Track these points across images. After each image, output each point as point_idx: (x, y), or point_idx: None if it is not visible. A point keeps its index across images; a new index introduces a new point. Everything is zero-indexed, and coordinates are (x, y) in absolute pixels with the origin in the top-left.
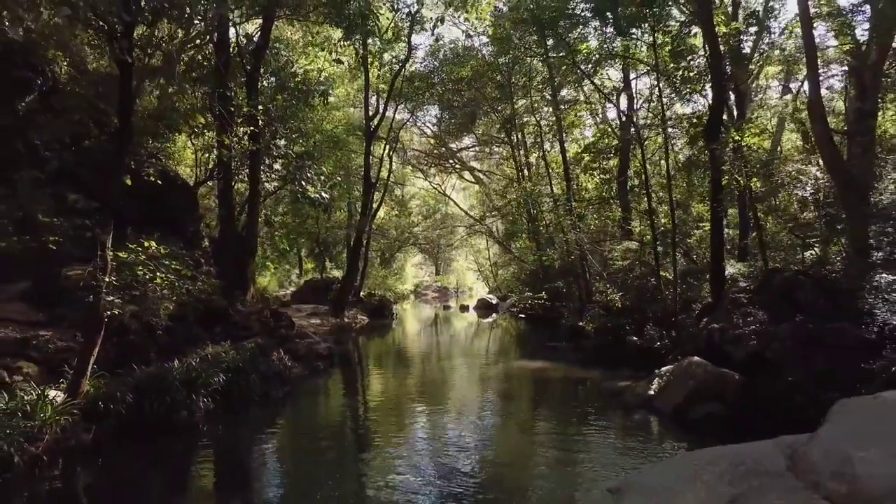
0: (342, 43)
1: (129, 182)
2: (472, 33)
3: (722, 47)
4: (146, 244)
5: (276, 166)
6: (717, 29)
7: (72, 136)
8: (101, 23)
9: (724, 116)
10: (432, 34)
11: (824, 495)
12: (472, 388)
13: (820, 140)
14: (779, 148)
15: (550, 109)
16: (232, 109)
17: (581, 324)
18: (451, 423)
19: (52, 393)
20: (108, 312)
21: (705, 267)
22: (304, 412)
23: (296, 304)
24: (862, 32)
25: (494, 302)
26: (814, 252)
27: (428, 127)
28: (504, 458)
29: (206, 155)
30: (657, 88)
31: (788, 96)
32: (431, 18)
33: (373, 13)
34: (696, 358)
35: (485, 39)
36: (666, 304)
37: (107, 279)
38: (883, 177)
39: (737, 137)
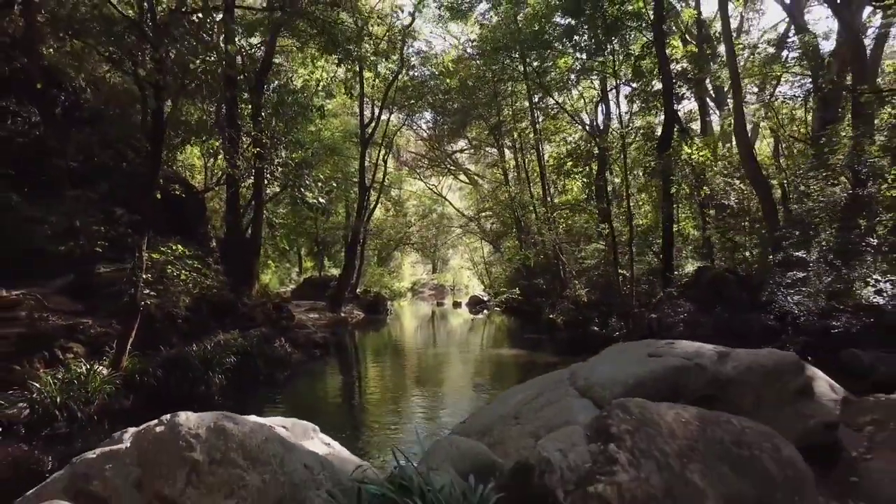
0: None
1: (158, 196)
2: (458, 47)
3: (682, 66)
4: (174, 247)
5: (277, 174)
6: (677, 50)
7: (114, 159)
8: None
9: (698, 126)
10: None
11: (576, 387)
12: (451, 369)
13: (743, 155)
14: (754, 151)
15: (537, 116)
16: (241, 133)
17: (552, 316)
18: (429, 391)
19: (98, 368)
20: (143, 303)
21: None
22: (304, 389)
23: (295, 300)
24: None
25: (486, 299)
26: (750, 252)
27: (423, 130)
28: (467, 408)
29: (212, 161)
30: (616, 106)
31: (755, 105)
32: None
33: (370, 37)
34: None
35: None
36: (625, 298)
37: (143, 276)
38: (798, 188)
39: (687, 151)
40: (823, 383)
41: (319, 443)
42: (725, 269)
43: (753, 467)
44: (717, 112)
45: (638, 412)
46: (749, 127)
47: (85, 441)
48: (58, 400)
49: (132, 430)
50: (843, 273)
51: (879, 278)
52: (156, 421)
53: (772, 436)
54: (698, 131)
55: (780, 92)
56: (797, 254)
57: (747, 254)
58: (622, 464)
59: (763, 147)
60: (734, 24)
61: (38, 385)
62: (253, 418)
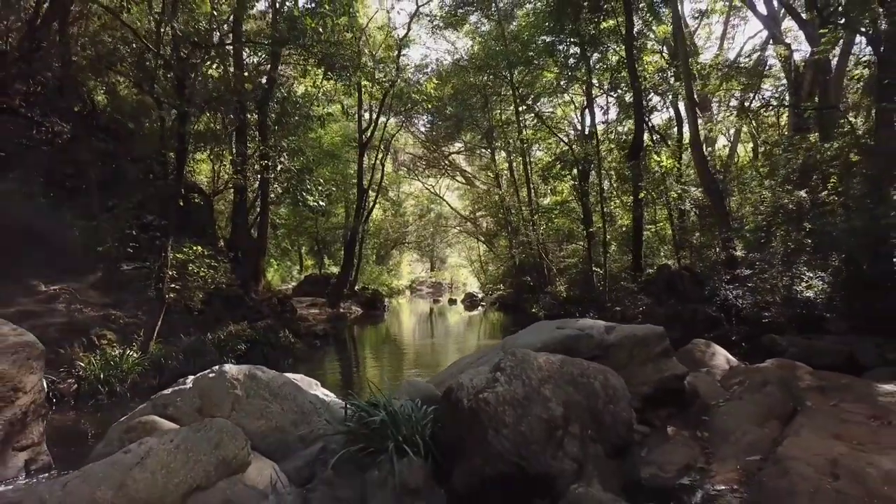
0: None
1: (181, 203)
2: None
3: (654, 81)
4: (194, 248)
5: (280, 178)
6: (650, 65)
7: (143, 172)
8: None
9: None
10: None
11: (504, 351)
12: (441, 356)
13: (697, 165)
14: (735, 155)
15: (524, 124)
16: (247, 146)
17: (534, 310)
18: (419, 372)
19: (129, 352)
20: (168, 296)
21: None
22: (305, 371)
23: (297, 296)
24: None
25: (480, 296)
26: (710, 251)
27: (420, 133)
28: None
29: (219, 164)
30: (604, 114)
31: (734, 110)
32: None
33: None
34: None
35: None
36: (600, 294)
37: (169, 272)
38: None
39: (656, 159)
40: (721, 357)
41: (320, 392)
42: (682, 267)
43: (586, 387)
44: (701, 116)
45: (520, 355)
46: (732, 131)
47: (123, 410)
48: (101, 376)
49: (191, 377)
50: (779, 270)
51: (811, 275)
52: (209, 370)
53: (605, 371)
54: (678, 137)
55: (759, 97)
56: (736, 253)
57: (710, 252)
58: (501, 382)
59: (745, 151)
60: (719, 30)
61: (83, 364)
62: (273, 371)
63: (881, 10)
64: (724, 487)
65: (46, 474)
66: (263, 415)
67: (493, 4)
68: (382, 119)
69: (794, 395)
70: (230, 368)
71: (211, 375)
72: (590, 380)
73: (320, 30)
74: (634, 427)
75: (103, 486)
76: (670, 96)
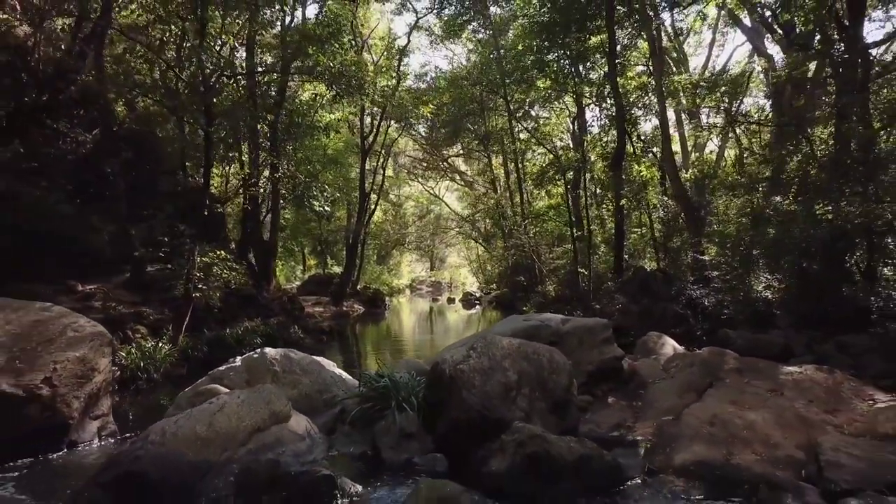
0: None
1: (206, 213)
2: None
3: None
4: (219, 252)
5: (289, 185)
6: (632, 81)
7: (173, 186)
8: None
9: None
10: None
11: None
12: (434, 348)
13: (670, 176)
14: (723, 161)
15: (518, 132)
16: (260, 158)
17: (525, 309)
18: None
19: (160, 345)
20: (194, 295)
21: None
22: None
23: (301, 295)
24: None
25: (478, 295)
26: (683, 255)
27: (420, 135)
28: None
29: (228, 168)
30: (575, 128)
31: (718, 121)
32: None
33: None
34: None
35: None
36: (585, 293)
37: (196, 273)
38: (711, 202)
39: (637, 168)
40: (669, 346)
41: (337, 371)
42: (657, 269)
43: (536, 362)
44: (689, 122)
45: (489, 339)
46: (719, 134)
47: (160, 394)
48: (141, 365)
49: (240, 357)
50: (741, 272)
51: (769, 277)
52: (254, 352)
53: (552, 351)
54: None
55: (743, 107)
56: (701, 257)
57: (684, 256)
58: (473, 357)
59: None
60: (708, 37)
61: (123, 354)
62: (303, 353)
63: (836, 36)
64: (640, 437)
65: (114, 439)
66: (296, 386)
67: (488, 19)
68: (384, 124)
69: (717, 375)
70: (269, 350)
71: (255, 356)
72: (539, 356)
73: (330, 64)
74: (574, 393)
75: (199, 424)
76: (653, 110)
